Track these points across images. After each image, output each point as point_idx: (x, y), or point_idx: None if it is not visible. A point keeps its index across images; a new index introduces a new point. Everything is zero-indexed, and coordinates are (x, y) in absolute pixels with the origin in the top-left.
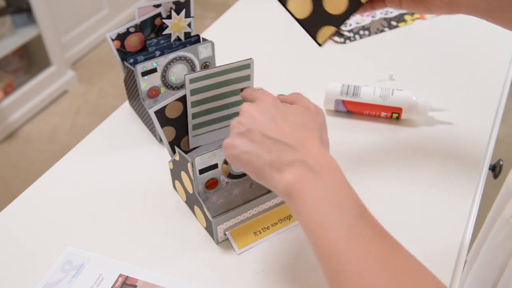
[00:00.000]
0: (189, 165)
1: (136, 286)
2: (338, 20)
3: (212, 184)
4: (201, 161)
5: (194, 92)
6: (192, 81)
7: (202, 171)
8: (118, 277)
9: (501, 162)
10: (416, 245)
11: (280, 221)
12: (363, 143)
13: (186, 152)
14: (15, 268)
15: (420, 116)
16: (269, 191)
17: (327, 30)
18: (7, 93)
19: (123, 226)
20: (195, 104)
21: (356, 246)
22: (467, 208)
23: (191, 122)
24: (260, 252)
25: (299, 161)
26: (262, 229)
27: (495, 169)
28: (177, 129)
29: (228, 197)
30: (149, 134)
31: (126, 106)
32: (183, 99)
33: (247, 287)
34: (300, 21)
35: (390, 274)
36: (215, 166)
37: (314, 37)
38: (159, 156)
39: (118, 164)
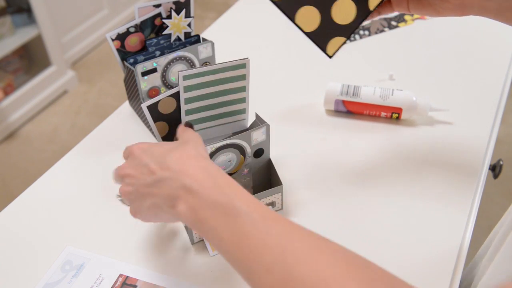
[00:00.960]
0: None
1: (136, 286)
2: (347, 30)
3: None
4: None
5: (188, 89)
6: (186, 78)
7: None
8: (118, 277)
9: (501, 162)
10: (416, 244)
11: None
12: (363, 143)
13: None
14: (15, 268)
15: (420, 116)
16: (264, 189)
17: (337, 41)
18: (7, 93)
19: (123, 226)
20: (189, 101)
21: (253, 245)
22: (467, 208)
23: (184, 119)
24: None
25: (179, 189)
26: None
27: (495, 169)
28: (170, 125)
29: None
30: (149, 134)
31: (126, 106)
32: (176, 96)
33: (247, 287)
34: (309, 34)
35: (288, 257)
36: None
37: (323, 49)
38: None
39: (118, 164)
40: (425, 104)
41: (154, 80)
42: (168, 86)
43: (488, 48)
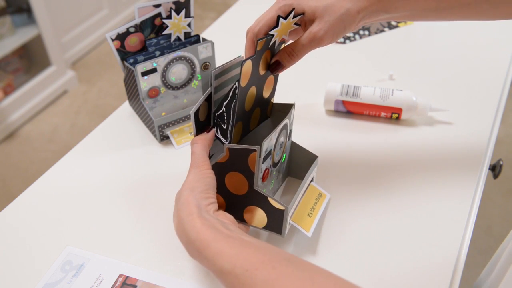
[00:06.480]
0: (253, 155)
1: (136, 286)
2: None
3: (266, 175)
4: (264, 147)
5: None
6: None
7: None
8: (118, 277)
9: (501, 162)
10: (416, 244)
11: (317, 200)
12: (363, 143)
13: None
14: (15, 268)
15: (420, 116)
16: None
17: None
18: (7, 93)
19: (123, 226)
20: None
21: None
22: (467, 208)
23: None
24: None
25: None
26: (311, 210)
27: (495, 169)
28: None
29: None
30: (149, 134)
31: (126, 106)
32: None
33: None
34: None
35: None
36: (269, 153)
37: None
38: (159, 156)
39: (118, 164)
40: (425, 104)
41: (154, 80)
42: (168, 86)
43: (488, 48)
